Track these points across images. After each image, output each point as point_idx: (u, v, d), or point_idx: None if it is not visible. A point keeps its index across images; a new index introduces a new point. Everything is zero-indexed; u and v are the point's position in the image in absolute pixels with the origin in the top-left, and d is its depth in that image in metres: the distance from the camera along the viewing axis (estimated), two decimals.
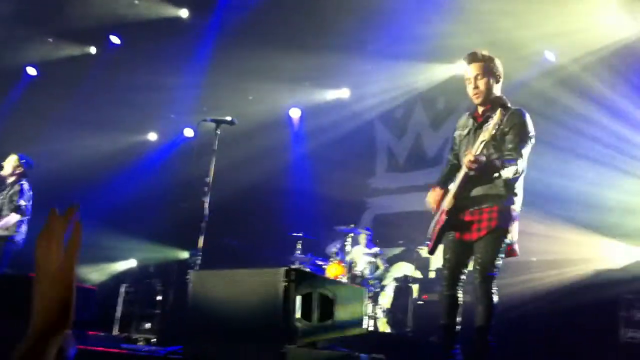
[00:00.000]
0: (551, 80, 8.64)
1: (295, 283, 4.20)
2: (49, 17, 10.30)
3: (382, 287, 8.13)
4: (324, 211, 9.92)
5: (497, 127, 3.98)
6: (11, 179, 7.47)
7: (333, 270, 8.03)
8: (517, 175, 4.14)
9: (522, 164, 4.12)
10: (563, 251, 7.42)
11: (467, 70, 4.40)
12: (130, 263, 10.27)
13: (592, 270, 6.88)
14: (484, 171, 4.08)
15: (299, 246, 8.68)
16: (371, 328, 7.52)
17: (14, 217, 7.23)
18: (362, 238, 8.65)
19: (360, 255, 8.49)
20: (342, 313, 4.73)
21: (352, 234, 8.56)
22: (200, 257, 5.73)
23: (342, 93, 11.12)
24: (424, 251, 8.96)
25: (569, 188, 7.95)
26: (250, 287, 4.43)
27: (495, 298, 4.06)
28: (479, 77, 4.32)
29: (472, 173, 4.11)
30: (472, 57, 4.42)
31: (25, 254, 7.42)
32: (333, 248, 8.56)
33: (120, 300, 8.31)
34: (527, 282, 7.02)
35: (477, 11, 8.17)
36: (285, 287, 4.17)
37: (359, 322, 4.97)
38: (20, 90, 11.28)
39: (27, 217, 7.41)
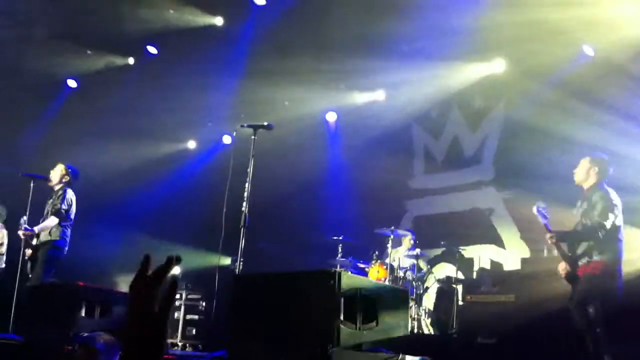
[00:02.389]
0: (589, 74, 8.48)
1: (339, 285, 4.17)
2: (87, 31, 10.49)
3: (425, 289, 8.05)
4: (364, 214, 9.87)
5: (585, 205, 5.83)
6: (58, 187, 7.61)
7: (375, 272, 7.99)
8: (601, 233, 5.57)
9: (605, 227, 5.56)
10: None
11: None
12: (174, 270, 10.36)
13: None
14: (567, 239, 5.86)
15: (339, 250, 8.66)
16: (415, 330, 7.45)
17: (52, 221, 7.32)
18: (407, 240, 8.59)
19: (402, 257, 8.43)
20: (386, 315, 4.69)
21: (392, 237, 8.49)
22: (242, 262, 5.74)
23: (378, 95, 11.06)
24: (466, 252, 8.85)
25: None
26: (294, 289, 4.42)
27: None
28: (577, 169, 6.06)
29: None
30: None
31: (69, 260, 7.54)
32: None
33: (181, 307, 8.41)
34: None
35: (511, 5, 8.06)
36: (329, 289, 4.16)
37: (403, 324, 4.93)
38: (61, 102, 11.50)
39: (70, 222, 7.50)
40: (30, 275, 7.23)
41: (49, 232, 7.31)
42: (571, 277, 5.72)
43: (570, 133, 8.38)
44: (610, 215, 5.64)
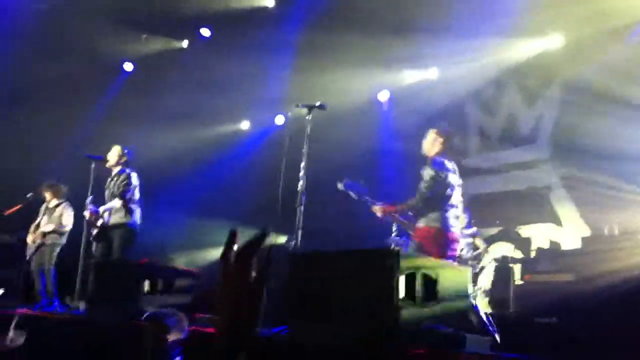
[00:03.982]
0: None
1: (399, 264, 4.18)
2: (142, 15, 10.67)
3: (482, 268, 7.99)
4: None
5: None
6: (117, 169, 7.78)
7: None
8: (423, 203, 5.97)
9: (425, 196, 5.91)
10: None
11: None
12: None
13: None
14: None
15: (394, 228, 8.63)
16: None
17: (117, 202, 7.51)
18: (462, 219, 8.50)
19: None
20: (446, 294, 4.68)
21: None
22: (297, 241, 5.81)
23: (431, 73, 10.94)
24: (523, 231, 8.75)
25: None
26: (353, 268, 4.44)
27: None
28: (425, 140, 6.24)
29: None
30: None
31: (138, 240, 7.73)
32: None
33: None
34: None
35: None
36: (389, 268, 4.16)
37: (463, 303, 4.91)
38: (119, 86, 11.74)
39: (137, 203, 7.68)
40: (94, 253, 7.47)
41: (123, 215, 7.49)
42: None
43: (630, 111, 8.18)
44: (434, 185, 5.84)
